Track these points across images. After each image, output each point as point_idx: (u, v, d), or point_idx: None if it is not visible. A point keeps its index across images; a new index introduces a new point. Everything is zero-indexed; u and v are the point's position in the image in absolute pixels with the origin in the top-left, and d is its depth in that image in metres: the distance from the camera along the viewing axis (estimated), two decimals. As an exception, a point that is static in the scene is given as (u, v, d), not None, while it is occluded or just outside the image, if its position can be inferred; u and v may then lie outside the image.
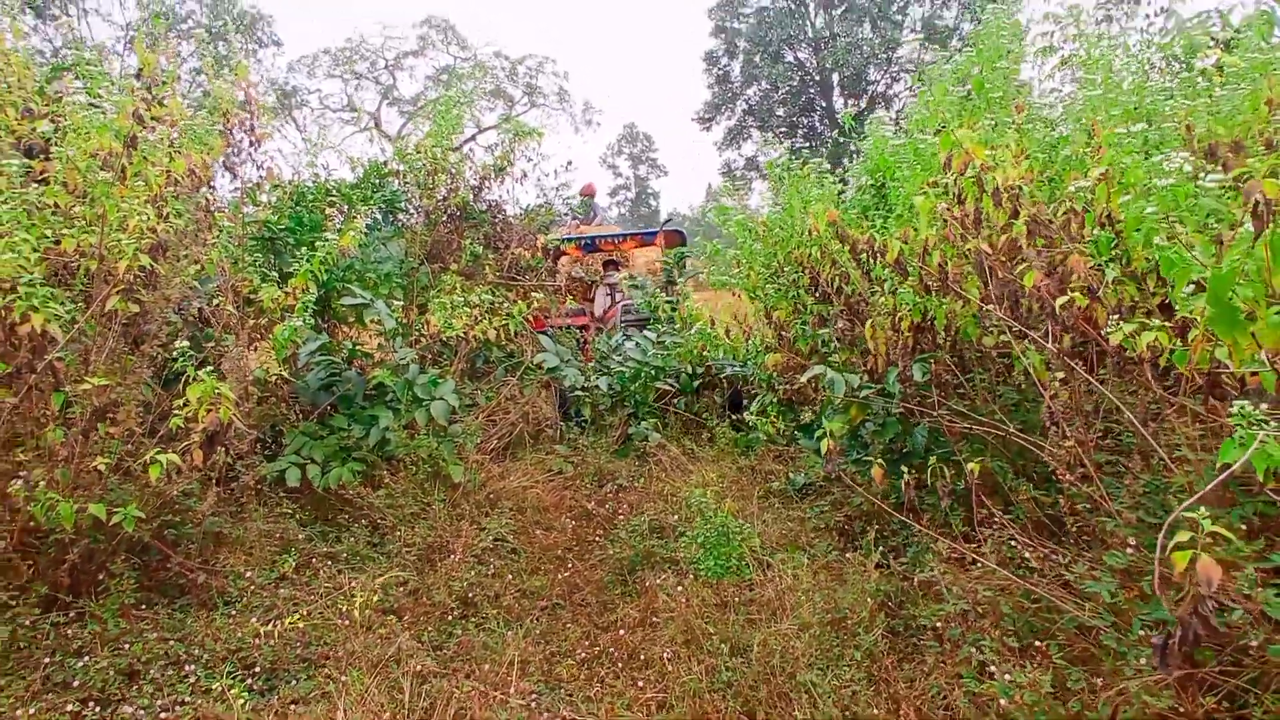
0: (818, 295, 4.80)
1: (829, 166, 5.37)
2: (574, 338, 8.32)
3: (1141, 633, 2.24)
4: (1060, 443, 2.76)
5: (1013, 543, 2.82)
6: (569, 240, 9.69)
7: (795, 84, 36.89)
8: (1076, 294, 2.28)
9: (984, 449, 3.62)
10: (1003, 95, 3.82)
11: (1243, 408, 1.58)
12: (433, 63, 39.20)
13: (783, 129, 37.99)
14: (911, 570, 3.34)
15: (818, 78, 37.28)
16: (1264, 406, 1.58)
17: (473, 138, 18.23)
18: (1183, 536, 1.52)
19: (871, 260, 3.62)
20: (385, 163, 6.44)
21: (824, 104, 37.54)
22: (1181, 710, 2.14)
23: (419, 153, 6.44)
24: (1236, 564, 1.82)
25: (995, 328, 3.34)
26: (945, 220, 2.78)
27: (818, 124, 37.90)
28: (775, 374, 5.09)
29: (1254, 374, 1.77)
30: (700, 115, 39.08)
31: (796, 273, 5.12)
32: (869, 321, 3.97)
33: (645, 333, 7.60)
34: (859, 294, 4.32)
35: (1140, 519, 2.49)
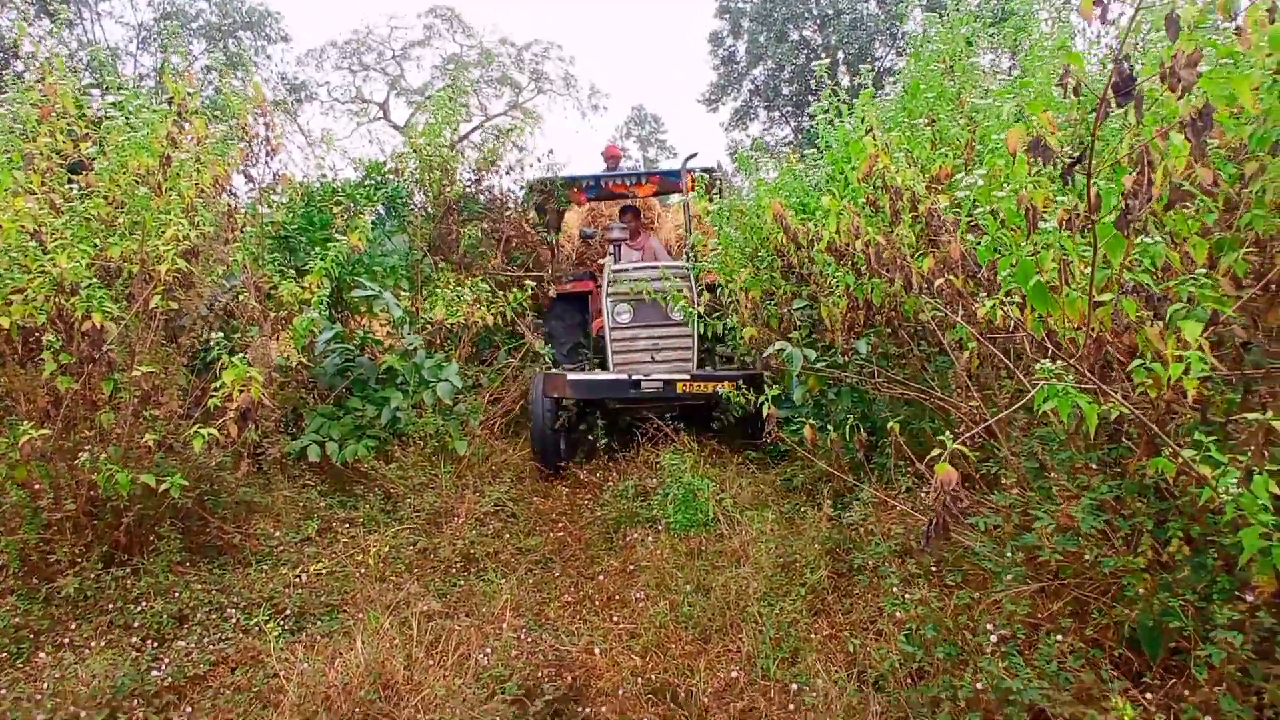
0: (791, 278, 5.25)
1: (795, 154, 5.85)
2: (574, 315, 7.69)
3: (1009, 555, 2.71)
4: (966, 401, 3.22)
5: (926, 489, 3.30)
6: (569, 181, 7.91)
7: (801, 62, 36.92)
8: (953, 275, 2.72)
9: (921, 412, 4.08)
10: (939, 95, 4.24)
11: (1044, 365, 2.03)
12: (439, 52, 39.47)
13: (789, 108, 38.09)
14: (853, 518, 3.81)
15: (824, 55, 37.31)
16: (1061, 363, 2.03)
17: (479, 126, 18.63)
18: (936, 453, 1.99)
19: (809, 247, 4.06)
20: (383, 163, 6.91)
21: (831, 81, 37.62)
22: (1038, 614, 2.63)
23: (415, 151, 6.91)
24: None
25: (927, 305, 3.77)
26: (857, 214, 3.22)
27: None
28: (749, 350, 5.55)
29: (1071, 339, 2.22)
30: (706, 97, 39.22)
31: (771, 257, 5.57)
32: (824, 301, 4.42)
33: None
34: (820, 276, 4.76)
35: (1024, 465, 2.95)
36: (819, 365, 4.49)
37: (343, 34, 35.03)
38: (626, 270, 6.27)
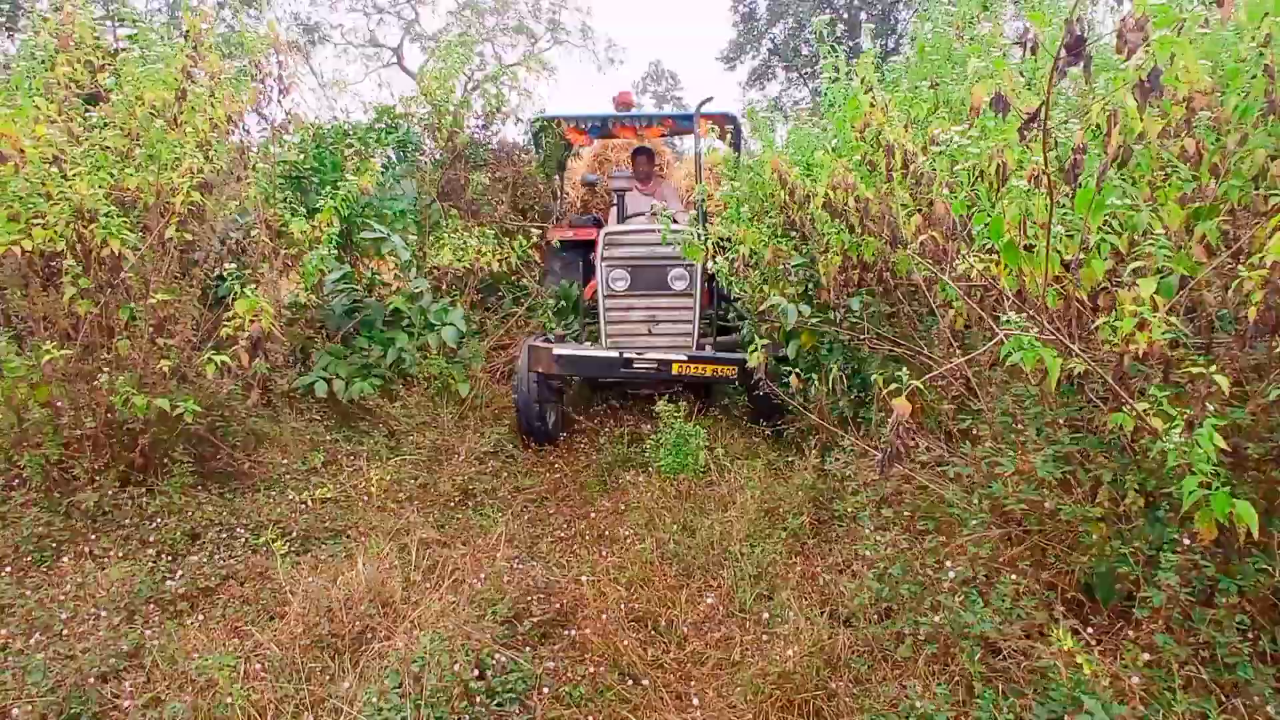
0: (791, 235, 5.33)
1: (806, 115, 5.85)
2: (576, 266, 7.31)
3: (976, 503, 2.86)
4: (949, 358, 3.34)
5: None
6: (570, 119, 7.18)
7: (823, 20, 36.14)
8: (934, 232, 2.81)
9: (910, 369, 4.20)
10: (945, 58, 4.26)
11: (1009, 318, 2.14)
12: (455, -3, 38.73)
13: (807, 69, 37.43)
14: (835, 468, 3.96)
15: (845, 15, 36.51)
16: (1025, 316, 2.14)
17: (493, 76, 18.43)
18: (893, 388, 2.12)
19: (806, 204, 4.14)
20: (394, 107, 6.95)
21: (853, 42, 36.85)
22: (999, 559, 2.79)
23: (426, 96, 6.94)
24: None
25: (917, 264, 3.86)
26: (850, 170, 3.29)
27: (845, 63, 37.21)
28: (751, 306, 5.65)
29: (1043, 296, 2.33)
30: (724, 55, 38.54)
31: (777, 215, 5.64)
32: (820, 259, 4.51)
33: None
34: (818, 234, 4.83)
35: (998, 419, 3.09)
36: (813, 321, 4.60)
37: (358, -27, 34.37)
38: (624, 232, 5.63)
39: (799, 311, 4.52)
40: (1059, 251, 2.11)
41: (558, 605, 3.47)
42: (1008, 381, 3.21)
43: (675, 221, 5.43)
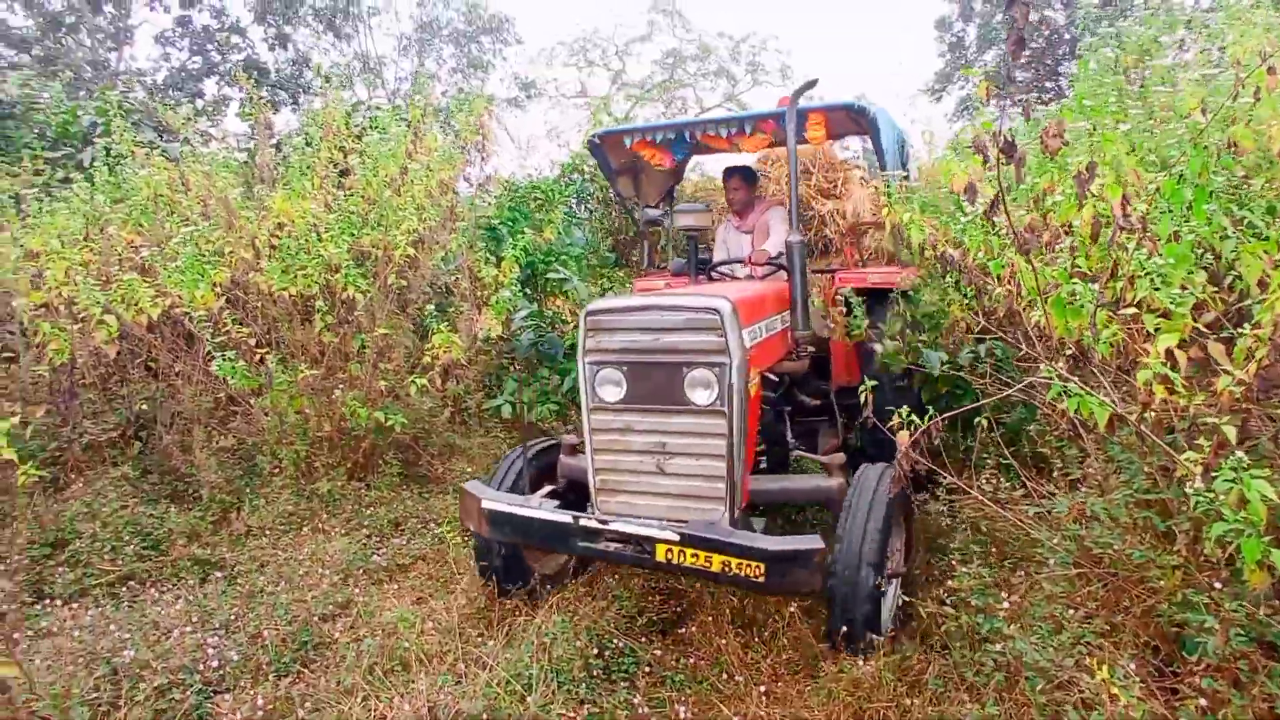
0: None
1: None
2: None
3: (1054, 543, 2.98)
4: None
5: (1006, 481, 3.55)
6: (630, 133, 5.05)
7: (1040, 45, 34.03)
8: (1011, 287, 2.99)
9: (1030, 413, 4.26)
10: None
11: (1047, 367, 2.33)
12: (659, 46, 40.95)
13: (1021, 97, 35.28)
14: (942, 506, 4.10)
15: (1067, 36, 34.10)
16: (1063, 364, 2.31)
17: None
18: (898, 422, 2.37)
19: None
20: (573, 162, 7.89)
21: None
22: (1075, 598, 2.90)
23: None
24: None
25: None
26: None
27: (1065, 89, 34.69)
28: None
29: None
30: (930, 86, 37.38)
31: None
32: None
33: None
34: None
35: (1094, 463, 3.16)
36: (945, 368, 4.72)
37: (571, 33, 37.58)
38: (615, 310, 3.41)
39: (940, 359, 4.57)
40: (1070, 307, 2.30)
41: (677, 607, 3.95)
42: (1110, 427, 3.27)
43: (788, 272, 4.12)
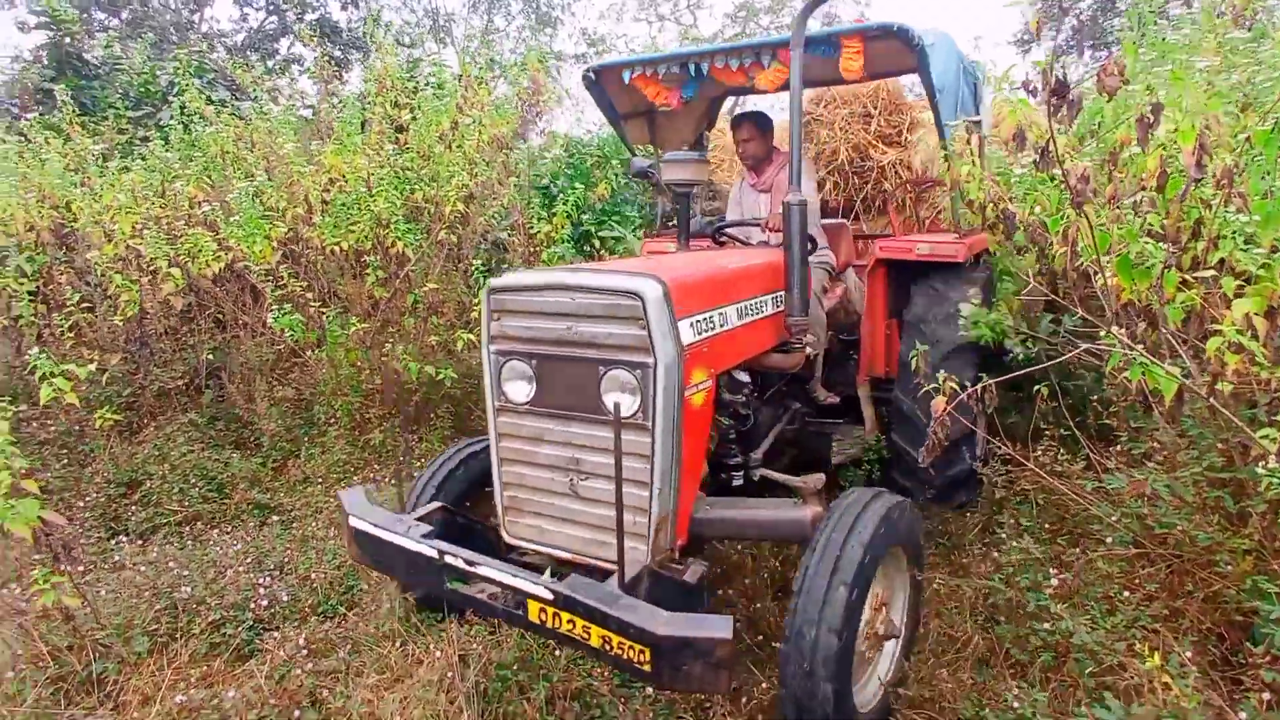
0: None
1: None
2: None
3: (1113, 520, 2.78)
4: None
5: (1063, 452, 3.35)
6: (631, 65, 4.26)
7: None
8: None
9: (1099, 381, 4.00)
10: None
11: (1109, 333, 2.13)
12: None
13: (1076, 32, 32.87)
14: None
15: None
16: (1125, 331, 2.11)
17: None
18: (932, 386, 2.21)
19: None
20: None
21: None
22: (1133, 579, 2.73)
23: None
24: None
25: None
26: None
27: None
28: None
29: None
30: (1019, 37, 35.21)
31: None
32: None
33: None
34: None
35: (1162, 438, 2.94)
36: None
37: (642, -15, 36.79)
38: (524, 287, 2.70)
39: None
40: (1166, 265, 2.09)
41: (718, 569, 3.90)
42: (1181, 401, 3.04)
43: (815, 244, 3.65)
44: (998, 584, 2.99)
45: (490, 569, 2.42)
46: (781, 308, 3.21)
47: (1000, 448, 3.44)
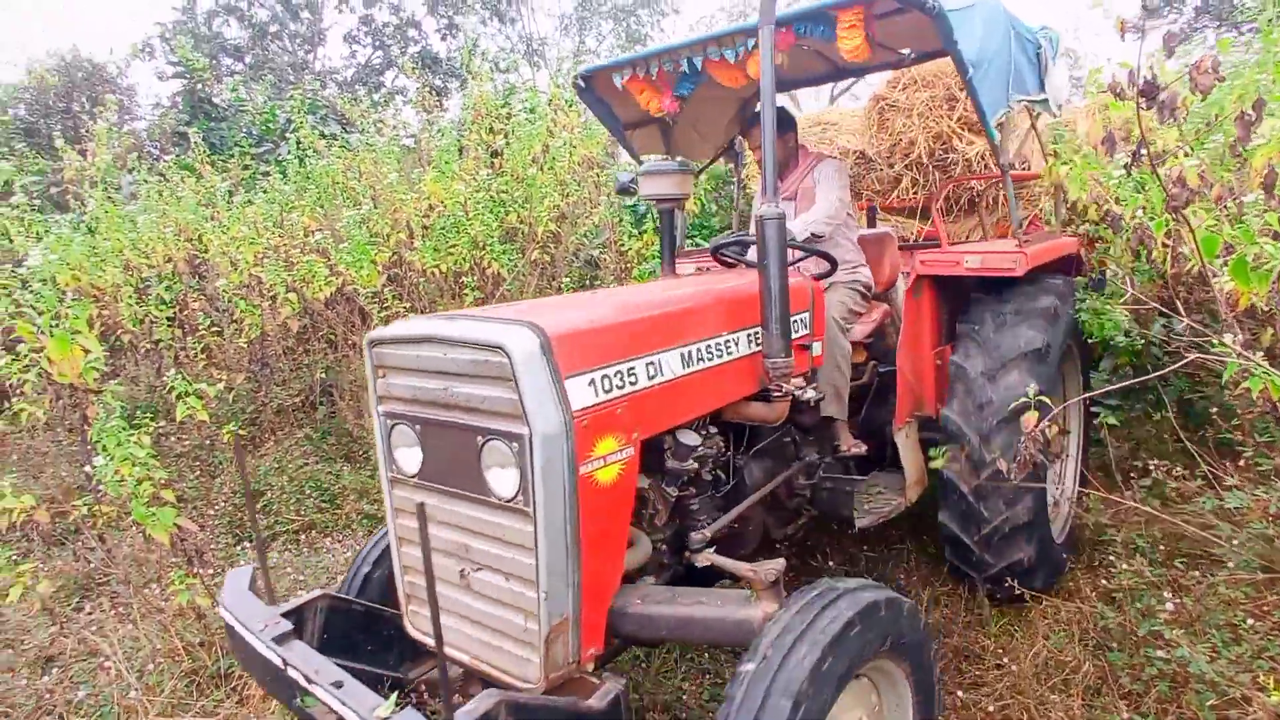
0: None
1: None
2: None
3: (1236, 542, 2.58)
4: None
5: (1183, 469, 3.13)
6: (618, 67, 3.59)
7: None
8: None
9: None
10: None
11: (1221, 341, 1.99)
12: (820, 4, 39.16)
13: (1253, 25, 30.46)
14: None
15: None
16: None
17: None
18: (1022, 402, 2.09)
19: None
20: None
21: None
22: (1261, 607, 2.54)
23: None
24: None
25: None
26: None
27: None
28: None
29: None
30: (1135, 23, 33.14)
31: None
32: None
33: None
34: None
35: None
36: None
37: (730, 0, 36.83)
38: (405, 339, 2.21)
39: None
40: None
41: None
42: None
43: (835, 264, 3.12)
44: (1102, 609, 2.84)
45: (324, 689, 1.87)
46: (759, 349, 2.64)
47: (1094, 489, 3.24)
